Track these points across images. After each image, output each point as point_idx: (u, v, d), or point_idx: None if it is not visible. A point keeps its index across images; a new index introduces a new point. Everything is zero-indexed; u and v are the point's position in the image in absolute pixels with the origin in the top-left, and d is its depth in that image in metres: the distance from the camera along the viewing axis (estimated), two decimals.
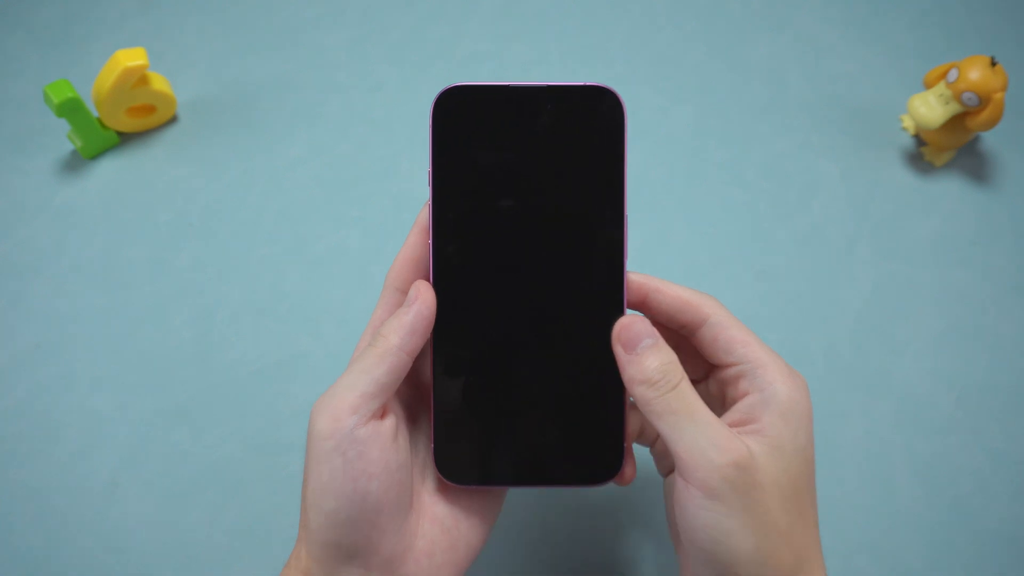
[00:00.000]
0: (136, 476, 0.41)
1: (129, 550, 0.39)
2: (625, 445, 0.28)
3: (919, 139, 0.53)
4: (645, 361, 0.25)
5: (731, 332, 0.27)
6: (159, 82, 0.52)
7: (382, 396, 0.26)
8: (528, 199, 0.28)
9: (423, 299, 0.27)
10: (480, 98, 0.28)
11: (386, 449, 0.25)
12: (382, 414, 0.26)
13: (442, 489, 0.29)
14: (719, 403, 0.29)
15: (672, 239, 0.49)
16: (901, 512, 0.40)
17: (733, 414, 0.26)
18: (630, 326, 0.26)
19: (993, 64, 0.46)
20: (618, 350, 0.27)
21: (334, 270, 0.48)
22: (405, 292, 0.28)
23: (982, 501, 0.40)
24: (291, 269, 0.48)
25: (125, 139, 0.53)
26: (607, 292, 0.28)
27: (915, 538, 0.39)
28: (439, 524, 0.28)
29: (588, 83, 0.28)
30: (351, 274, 0.48)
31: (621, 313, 0.28)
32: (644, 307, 0.29)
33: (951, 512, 0.40)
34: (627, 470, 0.29)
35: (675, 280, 0.29)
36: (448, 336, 0.28)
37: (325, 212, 0.50)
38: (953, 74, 0.47)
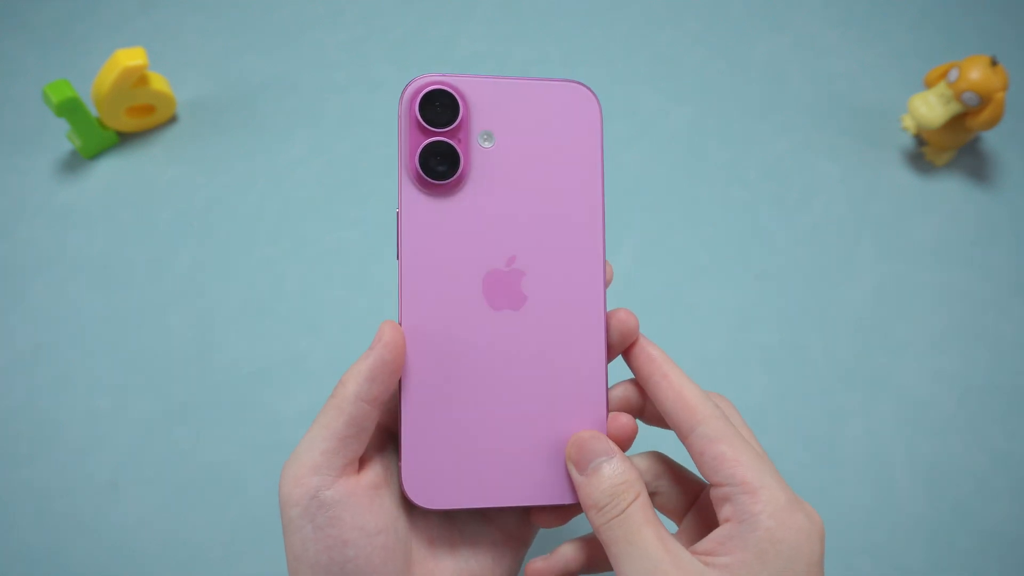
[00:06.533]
0: (136, 476, 0.41)
1: (129, 550, 0.39)
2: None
3: (919, 139, 0.53)
4: (592, 482, 0.24)
5: (719, 447, 0.23)
6: (159, 82, 0.52)
7: (346, 451, 0.23)
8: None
9: (385, 342, 0.24)
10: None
11: (361, 511, 0.23)
12: (359, 467, 0.24)
13: (448, 548, 0.26)
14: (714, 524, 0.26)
15: (672, 239, 0.49)
16: (901, 512, 0.40)
17: (706, 543, 0.23)
18: (582, 444, 0.25)
19: (994, 64, 0.46)
20: (571, 469, 0.25)
21: (334, 270, 0.48)
22: None
23: (983, 501, 0.40)
24: (291, 269, 0.48)
25: (125, 139, 0.53)
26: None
27: (915, 538, 0.39)
28: None
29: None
30: (351, 274, 0.48)
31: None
32: (646, 389, 0.26)
33: (952, 512, 0.40)
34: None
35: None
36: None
37: (325, 212, 0.50)
38: (954, 74, 0.47)
